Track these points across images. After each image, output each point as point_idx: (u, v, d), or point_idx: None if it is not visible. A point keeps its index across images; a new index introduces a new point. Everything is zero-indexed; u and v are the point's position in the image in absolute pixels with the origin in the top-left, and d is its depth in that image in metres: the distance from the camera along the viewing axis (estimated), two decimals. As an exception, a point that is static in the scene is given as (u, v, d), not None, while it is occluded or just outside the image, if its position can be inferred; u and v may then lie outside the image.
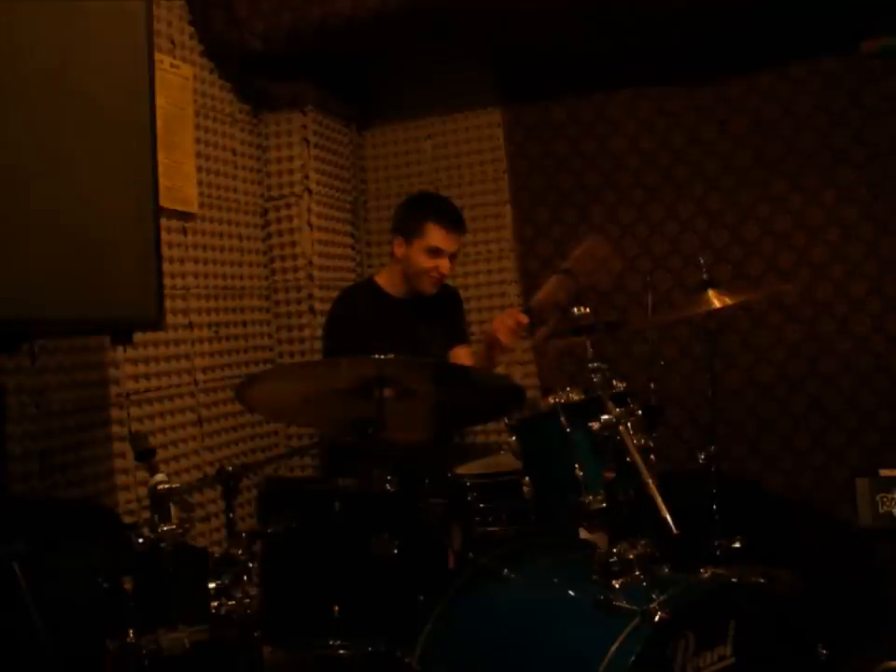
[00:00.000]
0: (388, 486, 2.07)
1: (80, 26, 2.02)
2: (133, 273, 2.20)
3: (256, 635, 1.86)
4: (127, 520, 2.60)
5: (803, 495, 3.36)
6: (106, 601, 1.75)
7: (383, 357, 2.00)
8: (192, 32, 3.19)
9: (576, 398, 2.09)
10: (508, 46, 3.56)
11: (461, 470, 2.32)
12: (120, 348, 2.67)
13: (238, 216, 3.44)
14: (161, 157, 2.36)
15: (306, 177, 3.59)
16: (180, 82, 3.05)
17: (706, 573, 1.83)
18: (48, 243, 1.91)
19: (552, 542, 2.16)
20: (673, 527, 1.74)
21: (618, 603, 1.69)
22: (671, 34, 3.33)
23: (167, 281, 2.82)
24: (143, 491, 2.69)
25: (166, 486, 1.82)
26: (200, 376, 3.13)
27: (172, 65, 3.01)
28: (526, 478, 2.12)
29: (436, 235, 2.89)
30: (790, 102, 3.43)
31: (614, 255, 3.07)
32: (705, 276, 2.58)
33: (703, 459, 2.64)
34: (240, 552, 1.84)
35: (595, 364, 2.07)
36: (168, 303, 2.86)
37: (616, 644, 1.60)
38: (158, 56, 2.62)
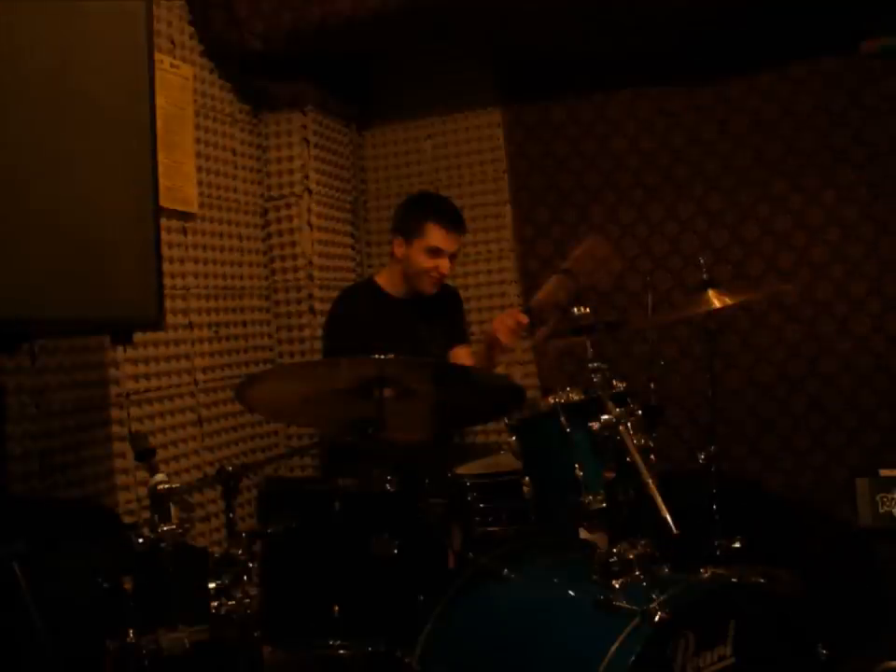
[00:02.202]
0: (388, 486, 2.07)
1: (80, 26, 2.02)
2: (133, 272, 2.20)
3: (256, 635, 1.86)
4: (127, 520, 2.60)
5: (803, 495, 3.36)
6: (106, 601, 1.75)
7: (383, 356, 1.99)
8: (192, 32, 3.19)
9: (576, 398, 2.08)
10: (508, 46, 3.56)
11: (461, 470, 2.32)
12: (120, 348, 2.67)
13: (238, 216, 3.44)
14: (161, 157, 2.36)
15: (306, 177, 3.59)
16: (180, 82, 3.05)
17: (706, 573, 1.83)
18: (48, 243, 1.91)
19: (552, 542, 2.16)
20: (673, 527, 1.74)
21: (618, 603, 1.69)
22: (671, 34, 3.33)
23: (167, 281, 2.82)
24: (143, 491, 2.69)
25: (166, 486, 1.82)
26: (200, 376, 3.13)
27: (172, 65, 3.01)
28: (526, 478, 2.12)
29: (436, 235, 2.89)
30: (790, 102, 3.43)
31: (614, 255, 3.07)
32: (705, 276, 2.58)
33: (703, 459, 2.64)
34: (240, 552, 1.84)
35: (595, 364, 2.07)
36: (168, 303, 2.86)
37: (616, 644, 1.60)
38: (158, 56, 2.62)
